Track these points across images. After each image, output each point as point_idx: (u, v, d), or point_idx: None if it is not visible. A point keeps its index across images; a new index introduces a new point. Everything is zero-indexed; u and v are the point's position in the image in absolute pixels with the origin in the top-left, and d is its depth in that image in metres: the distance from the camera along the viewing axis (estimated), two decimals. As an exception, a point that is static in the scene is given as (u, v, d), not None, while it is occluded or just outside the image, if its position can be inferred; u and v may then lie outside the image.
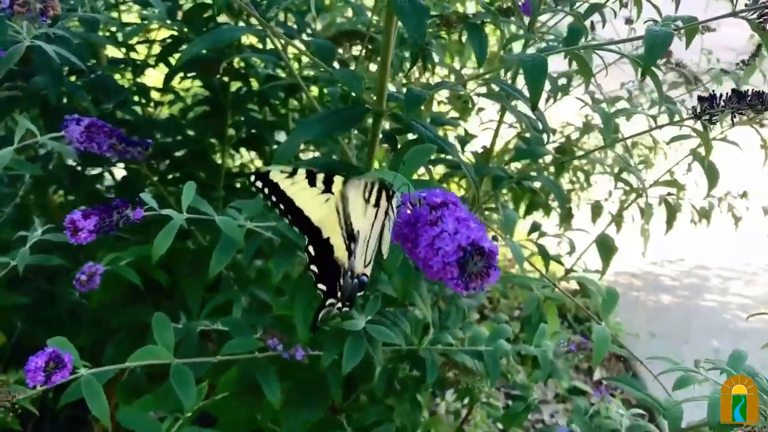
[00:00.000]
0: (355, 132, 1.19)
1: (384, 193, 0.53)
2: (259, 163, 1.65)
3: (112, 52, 1.38)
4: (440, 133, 1.33)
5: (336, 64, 1.20)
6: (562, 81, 1.31)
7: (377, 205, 0.53)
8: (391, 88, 0.91)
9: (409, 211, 0.53)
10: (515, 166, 1.35)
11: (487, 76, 0.91)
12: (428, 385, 0.99)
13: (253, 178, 0.56)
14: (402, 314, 0.97)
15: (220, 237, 0.84)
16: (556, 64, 1.22)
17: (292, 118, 1.39)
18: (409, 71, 1.05)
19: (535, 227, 1.19)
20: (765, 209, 1.43)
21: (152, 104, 1.47)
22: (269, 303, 1.16)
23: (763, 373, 0.71)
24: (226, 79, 1.33)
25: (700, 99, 0.71)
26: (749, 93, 0.68)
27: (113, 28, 1.37)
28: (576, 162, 1.72)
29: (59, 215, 0.84)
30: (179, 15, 1.25)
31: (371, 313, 0.87)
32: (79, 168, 1.33)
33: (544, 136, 0.95)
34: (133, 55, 1.39)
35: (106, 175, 1.41)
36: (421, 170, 1.13)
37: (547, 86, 1.17)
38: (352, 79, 0.76)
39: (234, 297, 1.09)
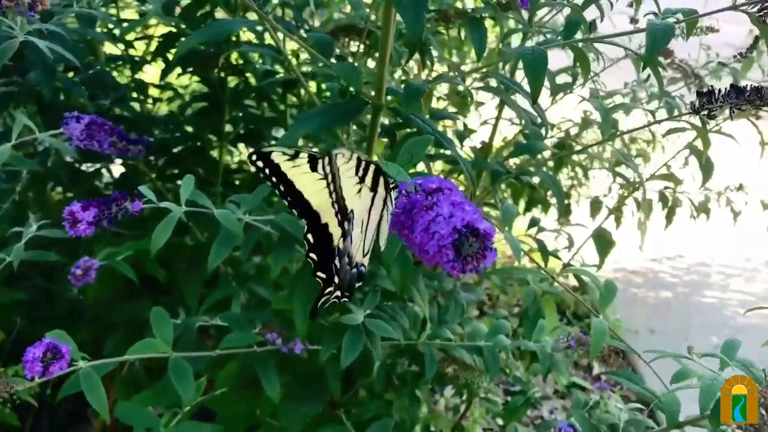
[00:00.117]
0: (354, 128, 1.19)
1: (382, 180, 0.53)
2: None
3: (110, 48, 1.38)
4: (439, 128, 1.33)
5: (334, 61, 1.19)
6: (566, 79, 1.30)
7: (374, 189, 0.53)
8: (390, 84, 0.92)
9: (405, 198, 0.53)
10: (514, 162, 1.35)
11: (484, 70, 0.91)
12: (427, 379, 0.99)
13: (254, 156, 0.56)
14: (401, 309, 0.97)
15: (218, 232, 0.84)
16: (556, 62, 1.22)
17: (291, 114, 1.39)
18: (406, 62, 1.05)
19: (534, 222, 1.19)
20: (763, 203, 1.43)
21: (151, 101, 1.47)
22: (268, 299, 1.16)
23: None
24: (223, 74, 1.33)
25: (699, 94, 0.71)
26: (748, 88, 0.68)
27: (111, 25, 1.37)
28: (574, 157, 1.72)
29: (58, 212, 0.84)
30: (177, 12, 1.24)
31: (370, 307, 0.87)
32: (77, 165, 1.33)
33: (543, 130, 0.95)
34: (131, 51, 1.39)
35: (105, 172, 1.41)
36: (421, 166, 1.13)
37: (549, 84, 1.16)
38: (351, 72, 0.76)
39: (232, 292, 1.08)
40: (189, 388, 0.82)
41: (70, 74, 1.19)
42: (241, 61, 1.37)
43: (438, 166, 1.64)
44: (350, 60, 1.22)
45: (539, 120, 0.92)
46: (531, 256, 1.07)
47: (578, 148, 1.45)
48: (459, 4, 1.29)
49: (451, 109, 1.51)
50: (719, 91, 0.66)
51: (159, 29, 1.42)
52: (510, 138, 1.47)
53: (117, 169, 1.43)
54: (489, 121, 1.39)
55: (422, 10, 0.64)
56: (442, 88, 1.63)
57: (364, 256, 0.54)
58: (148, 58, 1.37)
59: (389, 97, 0.82)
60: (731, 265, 2.60)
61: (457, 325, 1.08)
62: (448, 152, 1.04)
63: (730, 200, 1.44)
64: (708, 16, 0.73)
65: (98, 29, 1.33)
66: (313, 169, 0.56)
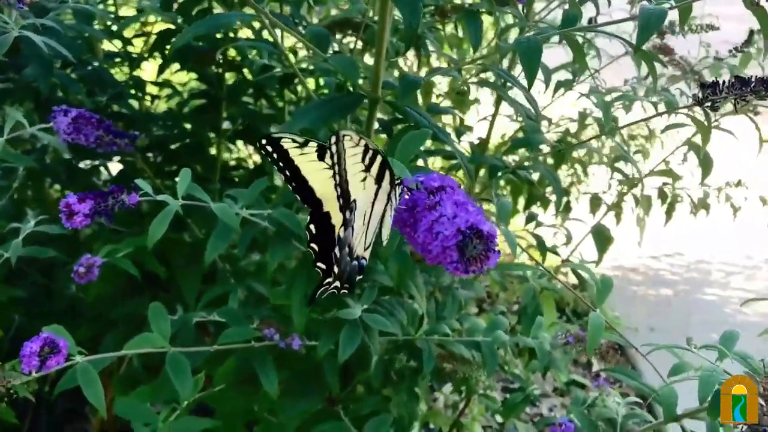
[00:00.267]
0: (353, 126, 1.19)
1: (388, 173, 0.52)
2: (258, 158, 1.65)
3: (109, 46, 1.38)
4: (438, 125, 1.33)
5: (331, 54, 1.19)
6: (567, 76, 1.30)
7: (379, 182, 0.52)
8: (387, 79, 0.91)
9: (407, 196, 0.53)
10: (513, 158, 1.35)
11: (480, 62, 0.91)
12: (425, 375, 0.99)
13: (264, 141, 0.56)
14: (398, 304, 0.97)
15: (216, 228, 0.84)
16: (556, 60, 1.22)
17: (288, 111, 1.39)
18: (402, 55, 1.05)
19: (531, 217, 1.19)
20: (763, 199, 1.43)
21: (149, 98, 1.47)
22: (266, 296, 1.16)
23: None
24: (220, 71, 1.33)
25: (703, 86, 0.70)
26: (753, 79, 0.67)
27: (110, 23, 1.37)
28: (574, 154, 1.72)
29: (56, 209, 0.84)
30: (175, 8, 1.24)
31: (367, 302, 0.87)
32: (75, 162, 1.33)
33: (539, 122, 0.95)
34: (129, 49, 1.39)
35: (103, 169, 1.41)
36: (419, 164, 1.13)
37: (545, 78, 1.16)
38: (348, 65, 0.76)
39: (230, 288, 1.08)
40: (187, 383, 0.81)
41: (68, 71, 1.19)
42: (239, 58, 1.37)
43: (438, 163, 1.64)
44: (348, 55, 1.22)
45: (535, 114, 0.92)
46: (529, 253, 1.07)
47: (581, 143, 1.45)
48: (457, 0, 1.29)
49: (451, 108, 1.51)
50: (723, 82, 0.65)
51: (157, 26, 1.42)
52: (509, 135, 1.46)
53: (116, 167, 1.43)
54: (487, 117, 1.39)
55: (418, 2, 0.64)
56: (442, 86, 1.63)
57: (365, 250, 0.54)
58: (146, 55, 1.37)
59: (386, 91, 0.81)
60: (732, 262, 2.59)
61: (455, 321, 1.08)
62: (447, 148, 1.04)
63: (729, 196, 1.44)
64: (708, 15, 0.72)
65: (97, 27, 1.33)
66: (321, 158, 0.57)
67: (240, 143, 1.60)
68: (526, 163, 1.19)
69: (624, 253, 2.42)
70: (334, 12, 1.46)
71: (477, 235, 0.48)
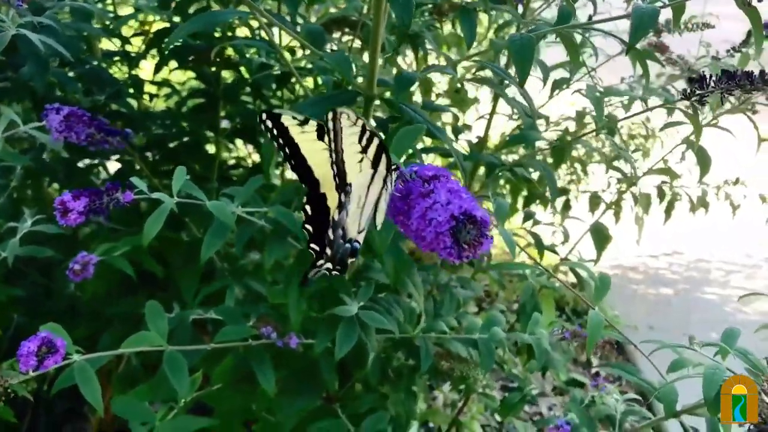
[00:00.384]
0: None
1: (384, 157, 0.52)
2: (257, 156, 1.65)
3: (107, 45, 1.39)
4: (438, 125, 1.33)
5: (328, 51, 1.19)
6: (564, 74, 1.30)
7: (375, 166, 0.52)
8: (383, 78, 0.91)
9: (401, 185, 0.53)
10: (513, 157, 1.35)
11: (476, 59, 0.91)
12: (423, 372, 0.99)
13: (264, 116, 0.56)
14: (395, 302, 0.97)
15: (211, 226, 0.84)
16: (554, 59, 1.22)
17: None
18: (395, 51, 1.04)
19: (529, 216, 1.19)
20: (762, 197, 1.43)
21: (148, 97, 1.47)
22: (263, 294, 1.16)
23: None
24: (218, 69, 1.33)
25: (691, 80, 0.71)
26: (738, 73, 0.68)
27: (108, 22, 1.37)
28: (574, 153, 1.71)
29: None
30: (172, 6, 1.24)
31: (364, 299, 0.87)
32: (74, 161, 1.33)
33: (534, 119, 0.95)
34: (127, 48, 1.40)
35: (102, 169, 1.41)
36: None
37: (549, 80, 1.16)
38: (342, 62, 0.76)
39: (227, 283, 1.09)
40: (184, 381, 0.81)
41: (66, 69, 1.19)
42: (237, 57, 1.37)
43: (438, 162, 1.64)
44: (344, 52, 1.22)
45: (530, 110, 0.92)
46: (527, 252, 1.07)
47: (576, 141, 1.45)
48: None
49: (451, 107, 1.51)
50: (710, 76, 0.66)
51: (156, 25, 1.42)
52: (507, 133, 1.46)
53: (115, 166, 1.43)
54: (485, 116, 1.39)
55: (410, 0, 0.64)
56: (442, 85, 1.63)
57: (359, 233, 0.54)
58: (144, 53, 1.37)
59: (382, 88, 0.81)
60: (731, 261, 2.59)
61: (453, 319, 1.08)
62: (445, 146, 1.04)
63: (728, 194, 1.44)
64: (708, 14, 0.72)
65: (97, 25, 1.33)
66: (320, 138, 0.57)
67: (239, 142, 1.60)
68: (524, 161, 1.19)
69: (623, 252, 2.42)
70: (333, 11, 1.46)
71: (470, 220, 0.49)
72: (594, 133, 1.53)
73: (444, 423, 1.41)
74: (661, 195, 1.34)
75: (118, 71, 1.45)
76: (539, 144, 1.26)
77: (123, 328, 1.17)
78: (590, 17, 1.21)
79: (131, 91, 1.38)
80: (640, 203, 1.31)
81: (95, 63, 1.28)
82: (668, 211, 1.38)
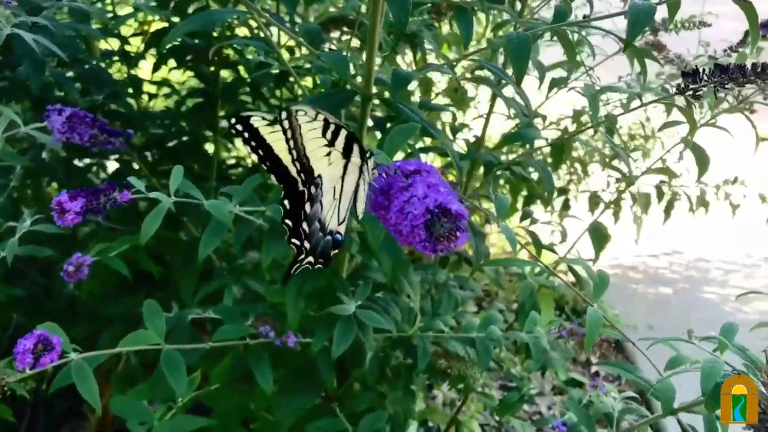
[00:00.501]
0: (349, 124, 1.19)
1: (356, 147, 0.52)
2: (256, 156, 1.65)
3: (106, 45, 1.39)
4: (438, 125, 1.33)
5: (326, 50, 1.19)
6: (562, 74, 1.30)
7: (347, 156, 0.52)
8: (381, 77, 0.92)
9: (383, 180, 0.53)
10: (512, 157, 1.35)
11: (472, 57, 0.91)
12: (420, 371, 0.99)
13: (234, 120, 0.56)
14: (393, 301, 0.97)
15: (209, 225, 0.84)
16: (552, 58, 1.22)
17: (284, 109, 1.39)
18: (392, 50, 1.04)
19: (527, 214, 1.19)
20: (762, 197, 1.43)
21: (146, 96, 1.47)
22: (262, 293, 1.16)
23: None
24: (216, 69, 1.33)
25: (684, 74, 0.71)
26: (731, 67, 0.68)
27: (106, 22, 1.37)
28: (573, 153, 1.71)
29: (52, 208, 0.85)
30: (171, 6, 1.24)
31: (361, 298, 0.87)
32: (73, 160, 1.33)
33: (540, 123, 0.95)
34: (126, 48, 1.40)
35: (101, 168, 1.42)
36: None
37: (547, 79, 1.16)
38: (339, 61, 0.77)
39: (225, 282, 1.09)
40: (182, 380, 0.81)
41: (65, 69, 1.20)
42: (236, 57, 1.38)
43: (438, 162, 1.64)
44: (343, 53, 1.22)
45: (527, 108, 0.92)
46: (528, 250, 1.07)
47: (575, 140, 1.45)
48: (453, -2, 1.29)
49: (450, 107, 1.51)
50: (703, 70, 0.66)
51: (155, 25, 1.42)
52: (506, 133, 1.46)
53: (114, 165, 1.43)
54: (483, 115, 1.39)
55: (407, -1, 0.64)
56: (441, 84, 1.63)
57: (339, 224, 0.55)
58: (143, 52, 1.37)
59: (379, 87, 0.81)
60: (731, 260, 2.59)
61: (451, 318, 1.08)
62: (440, 145, 1.04)
63: (728, 194, 1.44)
64: (708, 13, 0.72)
65: (96, 25, 1.33)
66: None
67: (238, 142, 1.60)
68: (521, 161, 1.19)
69: (623, 252, 2.42)
70: (332, 10, 1.46)
71: (445, 213, 0.49)
72: (592, 132, 1.53)
73: (443, 422, 1.41)
74: (660, 195, 1.34)
75: (117, 71, 1.45)
76: (538, 143, 1.26)
77: (122, 328, 1.16)
78: (585, 17, 1.21)
79: (130, 90, 1.38)
80: (639, 203, 1.31)
81: (94, 63, 1.28)
82: (668, 211, 1.38)
